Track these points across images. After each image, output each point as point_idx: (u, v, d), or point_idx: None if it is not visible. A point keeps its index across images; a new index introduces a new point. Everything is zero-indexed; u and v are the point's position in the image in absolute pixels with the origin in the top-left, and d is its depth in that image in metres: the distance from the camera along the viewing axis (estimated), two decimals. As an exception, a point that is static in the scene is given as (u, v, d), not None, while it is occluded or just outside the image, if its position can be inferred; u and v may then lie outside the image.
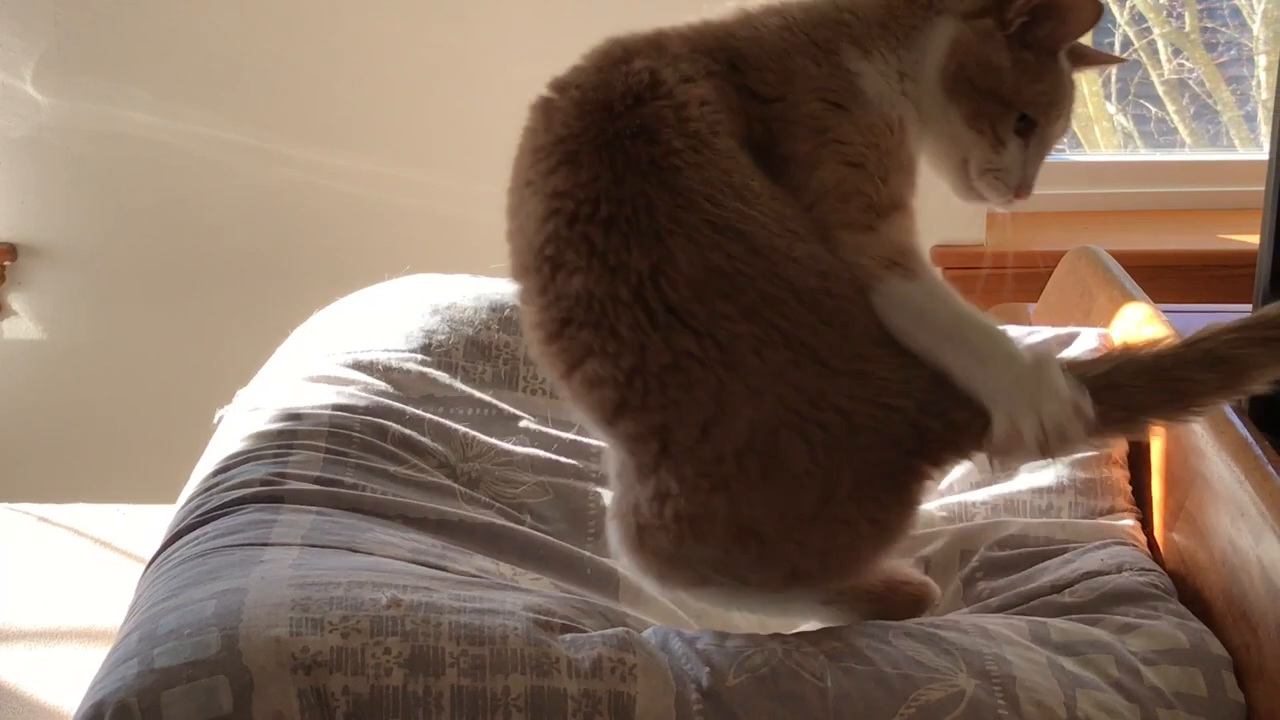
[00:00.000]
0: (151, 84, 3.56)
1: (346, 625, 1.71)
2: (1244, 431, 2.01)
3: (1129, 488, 2.20)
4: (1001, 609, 2.02)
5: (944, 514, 2.22)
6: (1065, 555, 2.09)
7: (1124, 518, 2.16)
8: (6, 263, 3.64)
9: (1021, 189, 1.98)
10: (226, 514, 2.04)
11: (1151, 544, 2.13)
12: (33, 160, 3.60)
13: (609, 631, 1.78)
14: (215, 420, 2.48)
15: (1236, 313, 2.50)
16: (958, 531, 2.17)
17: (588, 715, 1.69)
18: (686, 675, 1.75)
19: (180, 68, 3.55)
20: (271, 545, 1.90)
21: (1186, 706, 1.80)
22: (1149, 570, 2.03)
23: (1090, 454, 2.20)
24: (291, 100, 3.57)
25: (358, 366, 2.36)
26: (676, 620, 2.01)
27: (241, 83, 3.57)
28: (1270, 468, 1.93)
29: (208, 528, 2.01)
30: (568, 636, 1.77)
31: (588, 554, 2.11)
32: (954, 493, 2.25)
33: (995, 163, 1.96)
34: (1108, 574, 2.02)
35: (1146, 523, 2.16)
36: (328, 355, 2.44)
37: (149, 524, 2.85)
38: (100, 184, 3.63)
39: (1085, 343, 2.38)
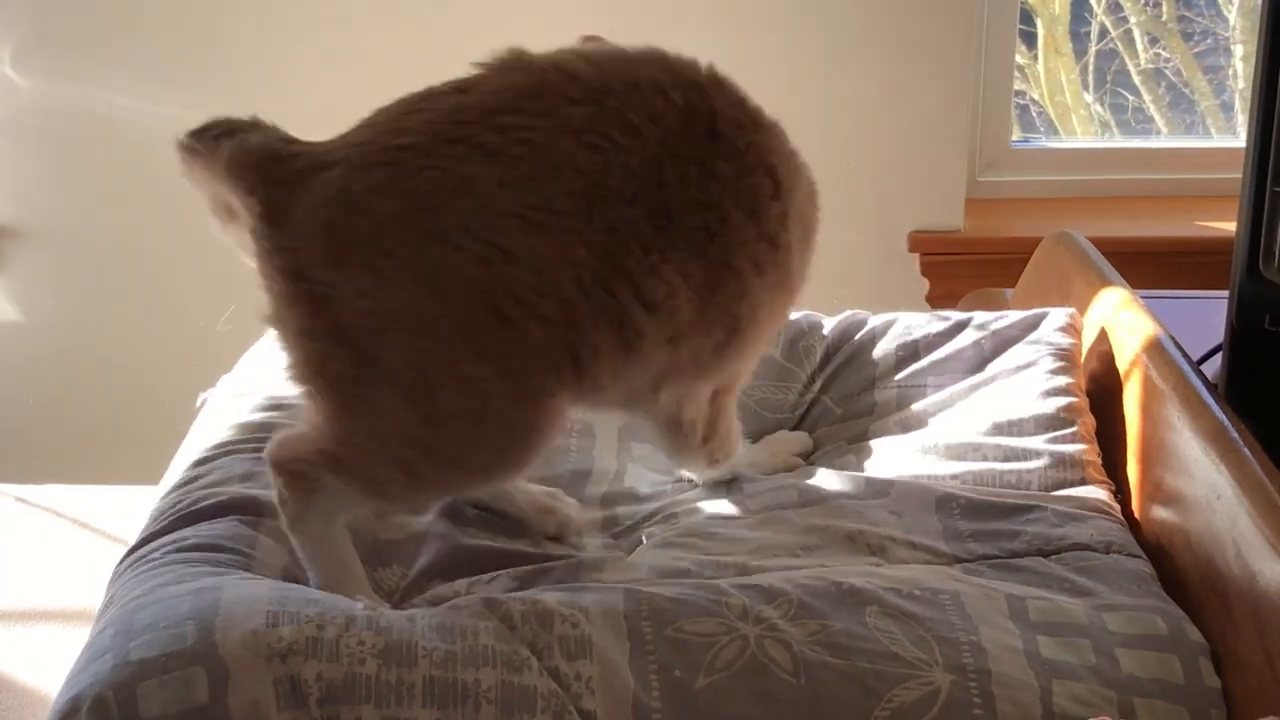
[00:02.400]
0: (131, 65, 3.55)
1: (322, 619, 1.73)
2: (1220, 414, 2.02)
3: (1099, 460, 2.21)
4: (984, 558, 2.03)
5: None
6: (1048, 513, 2.09)
7: (1097, 488, 2.16)
8: (-15, 244, 3.64)
9: None
10: (205, 519, 2.04)
11: (1131, 520, 2.14)
12: (11, 142, 3.60)
13: (569, 632, 1.78)
14: (198, 403, 2.48)
15: (1213, 299, 2.53)
16: (929, 483, 2.19)
17: (557, 714, 1.71)
18: (649, 678, 1.75)
19: (160, 49, 3.55)
20: (253, 570, 1.94)
21: (1163, 694, 1.80)
22: (1136, 556, 2.03)
23: (1061, 431, 2.22)
24: (272, 81, 3.57)
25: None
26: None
27: (222, 64, 3.56)
28: (1246, 450, 1.93)
29: (186, 530, 2.02)
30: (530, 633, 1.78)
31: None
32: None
33: None
34: (1095, 551, 2.03)
35: (1124, 502, 2.17)
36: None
37: (127, 505, 2.85)
38: (80, 166, 3.62)
39: (1053, 322, 2.39)
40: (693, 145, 1.89)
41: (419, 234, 1.83)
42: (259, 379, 2.40)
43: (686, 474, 2.26)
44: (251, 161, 1.94)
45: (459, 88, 1.94)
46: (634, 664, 1.76)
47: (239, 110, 3.47)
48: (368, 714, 1.67)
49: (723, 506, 2.19)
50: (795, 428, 2.41)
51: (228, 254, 3.63)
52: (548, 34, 2.09)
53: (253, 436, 2.22)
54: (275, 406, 2.28)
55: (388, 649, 1.71)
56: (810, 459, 2.35)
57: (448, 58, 3.50)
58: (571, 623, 1.79)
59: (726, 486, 2.25)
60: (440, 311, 1.82)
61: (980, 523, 2.09)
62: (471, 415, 1.87)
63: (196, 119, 3.14)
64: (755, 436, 2.36)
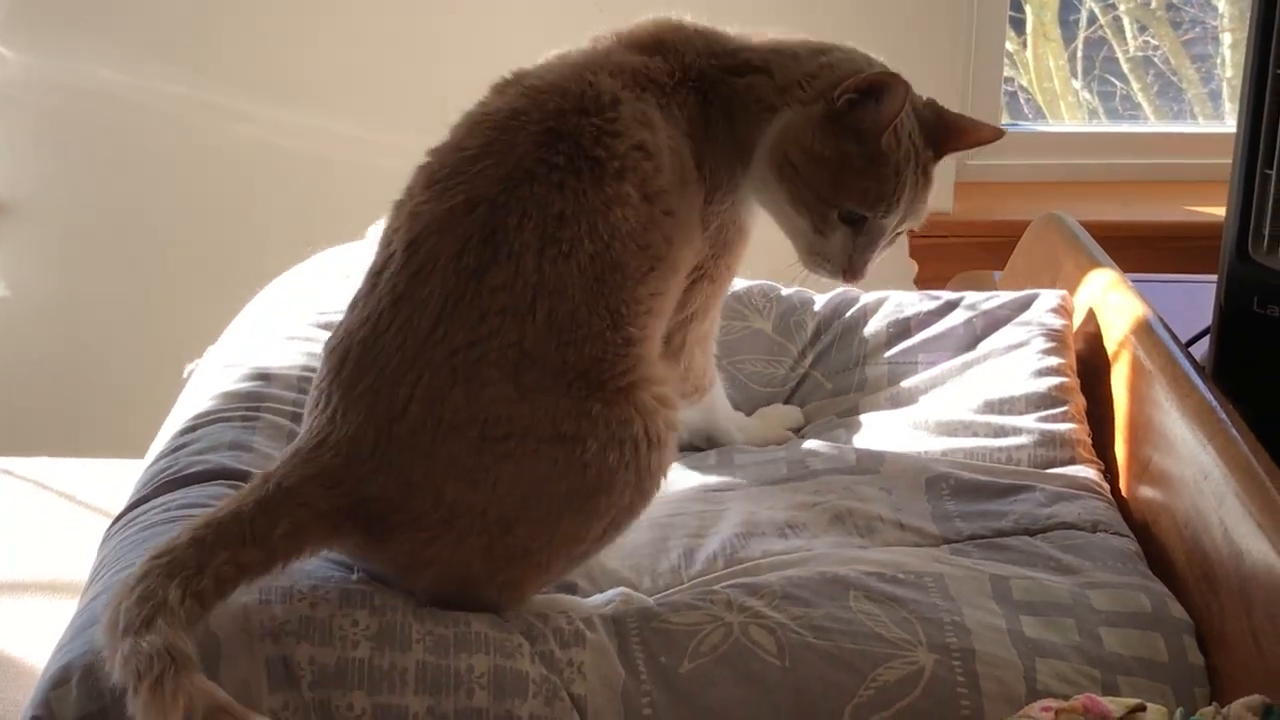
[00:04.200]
0: (119, 39, 3.54)
1: (315, 595, 1.73)
2: (1207, 394, 2.03)
3: (1088, 440, 2.22)
4: (972, 538, 2.04)
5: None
6: (1037, 493, 2.10)
7: (1086, 468, 2.17)
8: (-29, 218, 3.62)
9: (849, 274, 2.03)
10: (195, 483, 2.04)
11: (1118, 499, 2.14)
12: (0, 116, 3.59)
13: (563, 624, 1.79)
14: (184, 375, 2.49)
15: (1202, 283, 2.54)
16: (919, 461, 2.20)
17: (548, 699, 1.71)
18: (637, 665, 1.76)
19: (148, 23, 3.54)
20: None
21: (1147, 672, 1.81)
22: (1123, 535, 2.04)
23: (1051, 410, 2.23)
24: (261, 57, 3.56)
25: (328, 327, 2.37)
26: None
27: (210, 39, 3.55)
28: (1234, 430, 1.94)
29: (176, 494, 2.02)
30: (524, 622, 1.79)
31: None
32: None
33: (817, 246, 2.02)
34: (1082, 530, 2.04)
35: (1113, 481, 2.17)
36: (298, 314, 2.44)
37: (114, 478, 2.85)
38: (67, 140, 3.61)
39: (1045, 303, 2.39)
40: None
41: None
42: (245, 349, 2.40)
43: None
44: None
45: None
46: (623, 655, 1.77)
47: (225, 85, 3.48)
48: (359, 700, 1.68)
49: (711, 479, 2.20)
50: (786, 401, 2.42)
51: (212, 228, 3.65)
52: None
53: (240, 406, 2.21)
54: (261, 376, 2.27)
55: (382, 631, 1.71)
56: (800, 433, 2.35)
57: (446, 36, 3.52)
58: (565, 618, 1.80)
59: (717, 456, 2.25)
60: None
61: (969, 503, 2.10)
62: None
63: (186, 93, 3.15)
64: (746, 409, 2.37)
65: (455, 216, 1.82)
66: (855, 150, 1.95)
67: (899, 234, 2.05)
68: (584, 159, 1.85)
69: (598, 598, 1.91)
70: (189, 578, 1.62)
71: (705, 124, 2.01)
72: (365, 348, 1.79)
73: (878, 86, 1.93)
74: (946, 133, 2.03)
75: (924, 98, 2.06)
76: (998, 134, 2.06)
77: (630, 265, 1.85)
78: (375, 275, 1.86)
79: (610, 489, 1.80)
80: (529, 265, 1.79)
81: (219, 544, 1.66)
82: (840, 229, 1.99)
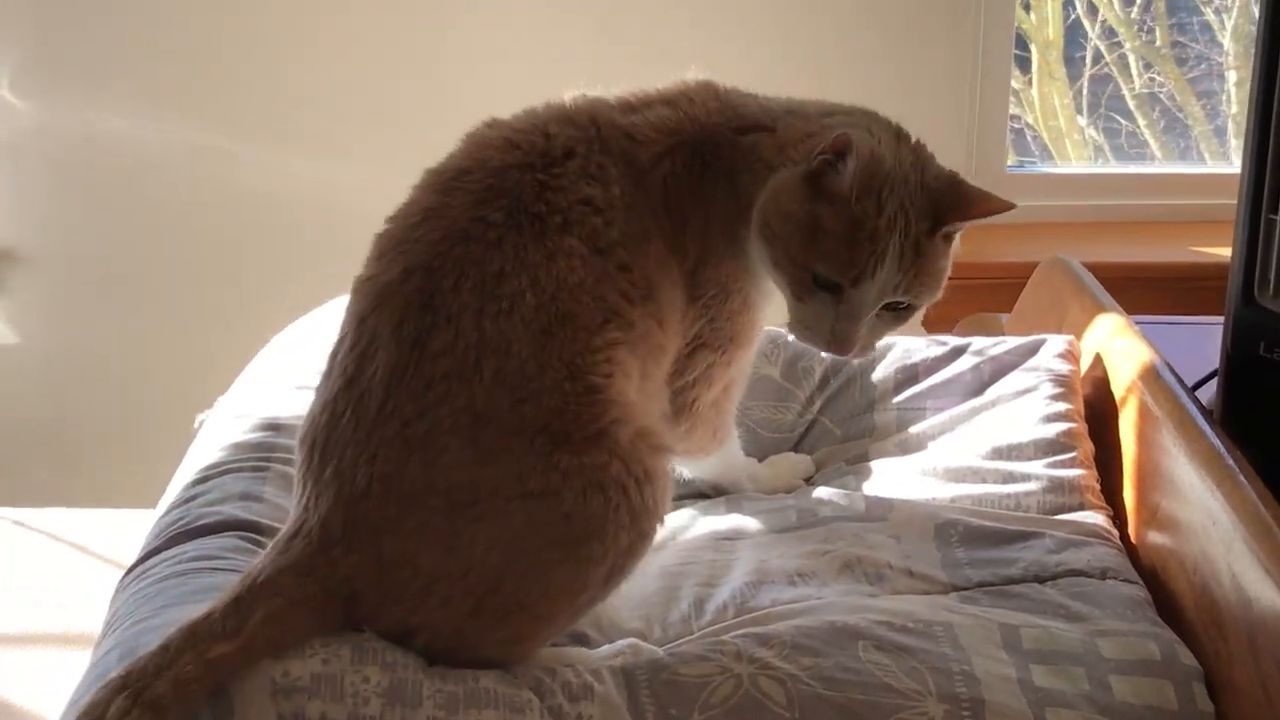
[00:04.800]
0: (129, 89, 3.56)
1: (328, 651, 1.72)
2: (1214, 440, 2.02)
3: (1097, 485, 2.22)
4: (981, 585, 2.03)
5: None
6: (1046, 540, 2.09)
7: (1095, 514, 2.17)
8: (-17, 267, 3.64)
9: (834, 345, 1.98)
10: (206, 535, 2.05)
11: (1126, 545, 2.14)
12: (10, 165, 3.60)
13: (571, 678, 1.78)
14: (195, 425, 2.49)
15: (1209, 325, 2.54)
16: (928, 509, 2.19)
17: None
18: (647, 716, 1.76)
19: (158, 73, 3.56)
20: None
21: (1157, 720, 1.81)
22: (1132, 582, 2.04)
23: (1060, 456, 2.23)
24: (270, 105, 3.58)
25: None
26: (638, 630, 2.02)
27: (219, 88, 3.57)
28: (1241, 476, 1.94)
29: (187, 546, 2.02)
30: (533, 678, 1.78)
31: None
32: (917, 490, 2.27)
33: (799, 313, 1.99)
34: (1092, 577, 2.03)
35: (1121, 527, 2.17)
36: (308, 364, 2.45)
37: (126, 528, 2.86)
38: (78, 188, 3.63)
39: (1052, 348, 2.39)
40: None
41: None
42: (255, 399, 2.40)
43: (679, 468, 2.25)
44: None
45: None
46: (632, 707, 1.77)
47: (234, 134, 3.50)
48: None
49: (721, 526, 2.20)
50: (794, 448, 2.43)
51: (223, 276, 3.66)
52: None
53: (250, 456, 2.23)
54: (271, 426, 2.28)
55: (392, 688, 1.70)
56: (810, 480, 2.35)
57: (444, 89, 3.53)
58: (574, 671, 1.80)
59: (727, 504, 2.26)
60: None
61: (978, 550, 2.09)
62: None
63: (195, 142, 3.17)
64: (755, 455, 2.37)
65: (393, 288, 1.83)
66: (828, 212, 1.91)
67: (902, 309, 1.99)
68: (524, 214, 1.85)
69: (606, 649, 1.91)
70: (141, 687, 1.62)
71: (699, 183, 2.00)
72: (327, 434, 1.80)
73: (842, 148, 1.89)
74: (951, 204, 1.96)
75: (945, 170, 2.01)
76: (1007, 206, 1.98)
77: (582, 316, 1.84)
78: (331, 358, 1.88)
79: (602, 535, 1.79)
80: (468, 326, 1.78)
81: (185, 646, 1.66)
82: (820, 296, 1.95)
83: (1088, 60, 4.09)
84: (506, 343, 1.78)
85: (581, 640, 1.96)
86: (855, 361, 2.43)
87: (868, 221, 1.90)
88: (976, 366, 2.40)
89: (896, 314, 1.99)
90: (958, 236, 2.01)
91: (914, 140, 2.03)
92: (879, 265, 1.91)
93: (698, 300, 2.01)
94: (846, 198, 1.90)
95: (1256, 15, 2.17)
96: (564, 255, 1.84)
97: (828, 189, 1.91)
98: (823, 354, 2.45)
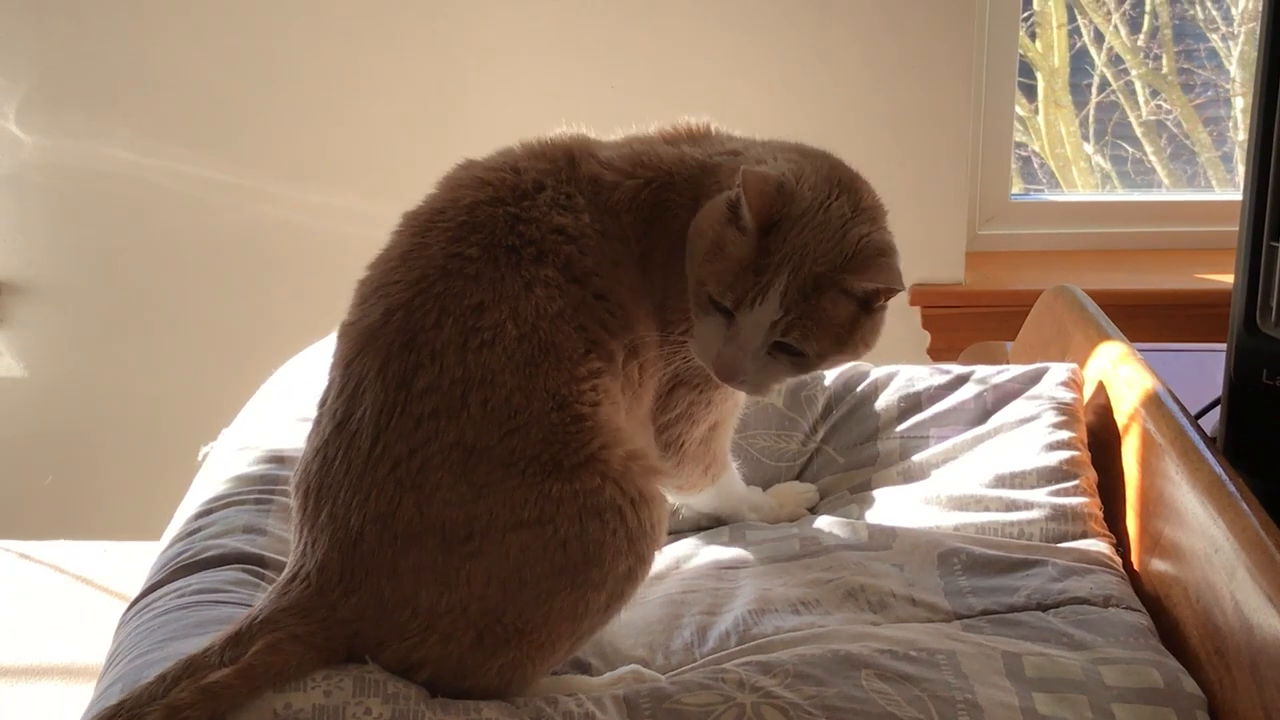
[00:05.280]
0: (133, 122, 3.57)
1: (329, 684, 1.73)
2: (1217, 468, 2.02)
3: (1100, 513, 2.22)
4: (984, 613, 2.03)
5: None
6: (1049, 568, 2.10)
7: (1098, 541, 2.17)
8: (-10, 300, 3.65)
9: (718, 368, 1.96)
10: (209, 568, 2.06)
11: (1129, 573, 2.14)
12: (15, 197, 3.61)
13: (573, 708, 1.79)
14: (199, 458, 2.49)
15: (1212, 352, 2.54)
16: (931, 537, 2.19)
17: None
18: None
19: (162, 105, 3.57)
20: None
21: (1160, 748, 1.81)
22: (1135, 610, 2.04)
23: (1063, 484, 2.23)
24: (272, 138, 3.58)
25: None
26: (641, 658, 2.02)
27: (222, 120, 3.58)
28: (1244, 504, 1.93)
29: (191, 579, 2.03)
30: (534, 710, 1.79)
31: None
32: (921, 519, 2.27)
33: (697, 330, 1.97)
34: (1095, 604, 2.03)
35: (1124, 554, 2.17)
36: (312, 396, 2.44)
37: (131, 561, 2.86)
38: (83, 221, 3.64)
39: (1055, 376, 2.39)
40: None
41: None
42: (259, 432, 2.41)
43: (671, 498, 2.24)
44: None
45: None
46: None
47: (238, 166, 3.51)
48: None
49: (724, 555, 2.20)
50: (798, 476, 2.43)
51: (226, 309, 3.66)
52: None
53: (254, 489, 2.24)
54: (275, 459, 2.29)
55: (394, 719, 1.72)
56: (814, 509, 2.35)
57: (452, 117, 3.54)
58: (576, 701, 1.80)
59: (730, 533, 2.26)
60: None
61: (981, 578, 2.09)
62: None
63: (200, 174, 3.18)
64: (758, 484, 2.37)
65: (375, 330, 1.84)
66: (733, 237, 1.91)
67: (799, 357, 1.96)
68: (499, 247, 1.87)
69: (607, 676, 1.92)
70: (134, 715, 1.65)
71: (664, 214, 2.00)
72: (320, 479, 1.82)
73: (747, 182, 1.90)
74: (845, 264, 1.91)
75: (879, 235, 1.97)
76: (893, 288, 1.93)
77: (565, 346, 1.85)
78: (320, 405, 1.89)
79: (600, 560, 1.80)
80: (452, 361, 1.80)
81: (181, 675, 1.68)
82: (715, 318, 1.94)
83: (1094, 87, 4.09)
84: (491, 374, 1.79)
85: (584, 668, 1.96)
86: (859, 389, 2.44)
87: (766, 257, 1.90)
88: (980, 395, 2.40)
89: (794, 360, 1.96)
90: (885, 306, 1.98)
91: (865, 199, 2.00)
92: (760, 298, 1.91)
93: (669, 335, 2.01)
94: (745, 228, 1.91)
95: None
96: (541, 284, 1.86)
97: (740, 217, 1.91)
98: (825, 382, 2.46)
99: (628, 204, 1.98)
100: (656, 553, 1.90)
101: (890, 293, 1.94)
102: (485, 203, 1.91)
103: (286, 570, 1.82)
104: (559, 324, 1.85)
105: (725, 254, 1.91)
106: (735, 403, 2.19)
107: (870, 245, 1.94)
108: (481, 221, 1.89)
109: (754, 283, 1.90)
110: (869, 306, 1.95)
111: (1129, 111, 4.09)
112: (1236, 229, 2.22)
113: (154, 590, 2.04)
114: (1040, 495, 2.22)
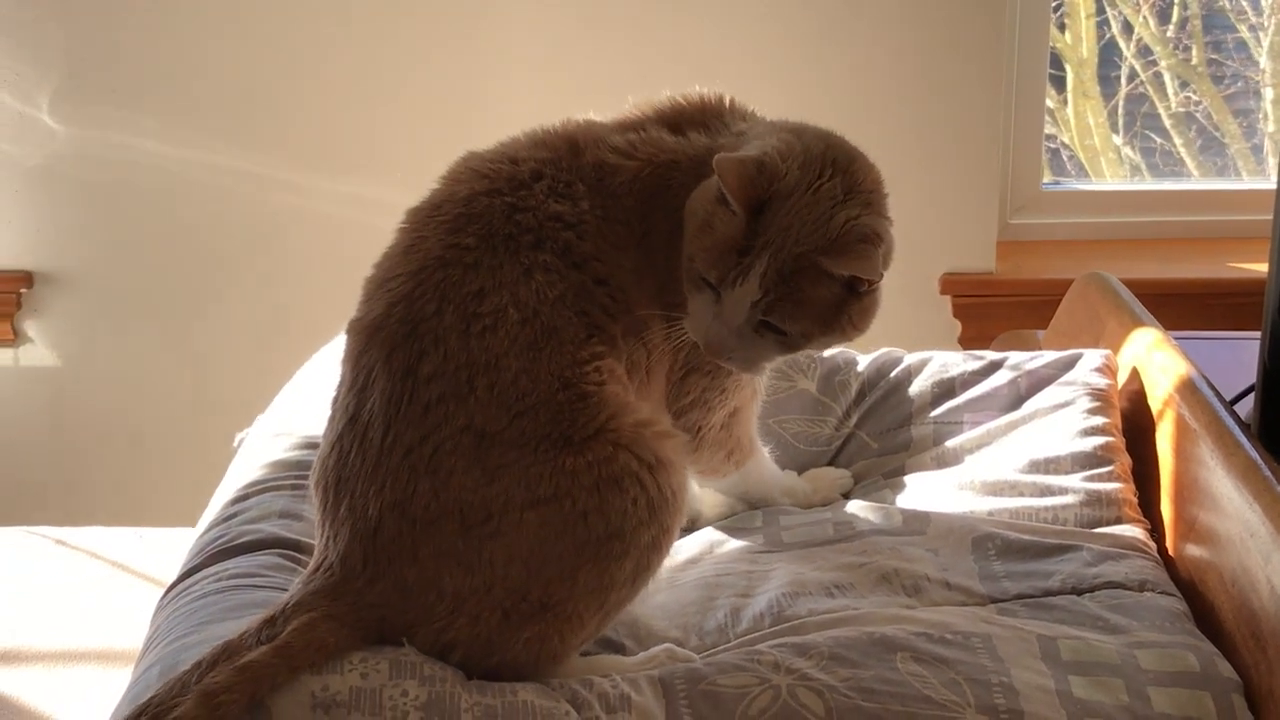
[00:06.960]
0: (164, 112, 3.58)
1: (366, 666, 1.74)
2: (1252, 453, 2.02)
3: (1134, 499, 2.22)
4: (1019, 597, 2.03)
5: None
6: (1084, 553, 2.10)
7: (1133, 527, 2.17)
8: (23, 290, 3.66)
9: (706, 345, 1.97)
10: (246, 553, 2.07)
11: (1164, 558, 2.14)
12: (48, 188, 3.62)
13: (608, 689, 1.80)
14: (235, 444, 2.50)
15: (1246, 339, 2.53)
16: (966, 522, 2.19)
17: None
18: None
19: (192, 97, 3.58)
20: None
21: (1196, 731, 1.81)
22: (1170, 594, 2.04)
23: (1098, 469, 2.23)
24: (301, 128, 3.59)
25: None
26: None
27: (251, 111, 3.59)
28: (1279, 489, 1.94)
29: (228, 564, 2.05)
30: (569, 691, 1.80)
31: None
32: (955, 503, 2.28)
33: (691, 306, 1.97)
34: (1130, 589, 2.03)
35: (1159, 540, 2.17)
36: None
37: (166, 547, 2.87)
38: (114, 211, 3.65)
39: (1089, 362, 2.39)
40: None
41: None
42: (294, 417, 2.42)
43: (695, 485, 2.25)
44: None
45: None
46: (670, 718, 1.77)
47: (268, 156, 3.52)
48: None
49: (757, 539, 2.20)
50: (831, 462, 2.43)
51: (258, 296, 3.67)
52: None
53: (289, 474, 2.25)
54: (311, 445, 2.29)
55: (430, 702, 1.72)
56: (848, 494, 2.36)
57: (478, 106, 3.55)
58: (610, 682, 1.81)
59: (763, 518, 2.26)
60: None
61: (1016, 563, 2.09)
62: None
63: (230, 164, 3.19)
64: (792, 468, 2.38)
65: (379, 324, 1.87)
66: (722, 215, 1.91)
67: (783, 337, 1.95)
68: (496, 236, 1.89)
69: (641, 655, 1.93)
70: (162, 709, 1.66)
71: (666, 192, 2.00)
72: (338, 473, 1.84)
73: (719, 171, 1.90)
74: (826, 247, 1.91)
75: (868, 221, 1.96)
76: (871, 276, 1.93)
77: (566, 330, 1.86)
78: (333, 401, 1.92)
79: (622, 531, 1.82)
80: (456, 346, 1.82)
81: (217, 660, 1.70)
82: (705, 294, 1.94)
83: (1123, 79, 4.08)
84: (495, 358, 1.81)
85: (618, 649, 1.97)
86: (893, 374, 2.45)
87: (753, 238, 1.90)
88: (1013, 380, 2.40)
89: (779, 339, 1.96)
90: (874, 290, 1.98)
91: (863, 181, 1.99)
92: (742, 278, 1.91)
93: (674, 321, 2.00)
94: (731, 206, 1.91)
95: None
96: (540, 270, 1.88)
97: (729, 200, 1.91)
98: (858, 368, 2.46)
99: (629, 186, 1.99)
100: (680, 521, 1.90)
101: (869, 280, 1.94)
102: (482, 194, 1.93)
103: (311, 563, 1.85)
104: (560, 309, 1.87)
105: (714, 231, 1.92)
106: (754, 389, 2.19)
107: (854, 230, 1.93)
108: (478, 212, 1.91)
109: (736, 262, 1.91)
110: (855, 290, 1.95)
111: (1158, 103, 4.09)
112: (1268, 218, 2.22)
113: (191, 574, 2.06)
114: (1075, 481, 2.22)
